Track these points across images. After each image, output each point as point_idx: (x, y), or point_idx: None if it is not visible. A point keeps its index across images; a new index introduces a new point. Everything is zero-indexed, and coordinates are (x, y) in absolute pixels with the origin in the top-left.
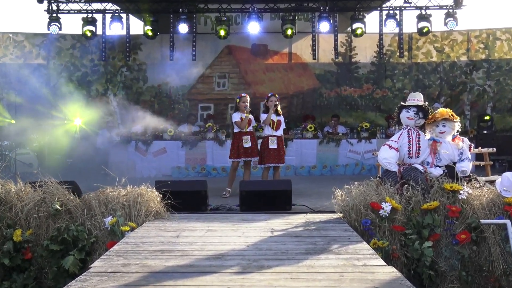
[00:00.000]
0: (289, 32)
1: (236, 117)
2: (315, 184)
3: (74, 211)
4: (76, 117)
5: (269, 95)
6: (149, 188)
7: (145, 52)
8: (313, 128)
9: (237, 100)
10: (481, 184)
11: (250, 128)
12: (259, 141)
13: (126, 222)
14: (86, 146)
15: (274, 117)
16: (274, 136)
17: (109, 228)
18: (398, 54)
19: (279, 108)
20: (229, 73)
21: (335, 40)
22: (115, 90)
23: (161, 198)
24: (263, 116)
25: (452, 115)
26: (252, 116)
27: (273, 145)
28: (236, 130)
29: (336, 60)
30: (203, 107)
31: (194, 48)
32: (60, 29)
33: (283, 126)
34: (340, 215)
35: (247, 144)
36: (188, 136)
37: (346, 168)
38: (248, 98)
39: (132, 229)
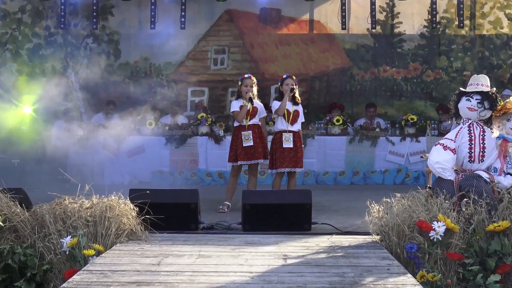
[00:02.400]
0: None
1: (235, 105)
2: (343, 196)
3: (21, 229)
4: (25, 103)
5: (284, 76)
6: (121, 199)
7: (118, 17)
8: (341, 122)
9: (239, 83)
10: None
11: (255, 121)
12: (270, 137)
13: (91, 244)
14: (37, 142)
15: (290, 107)
16: (290, 131)
17: (67, 252)
18: (456, 23)
19: (297, 95)
20: (230, 47)
21: (372, 3)
22: (77, 67)
23: (138, 212)
24: (275, 105)
25: None
26: (261, 105)
27: (288, 143)
28: (236, 123)
29: (373, 30)
30: (195, 91)
31: (183, 13)
32: None
33: (301, 118)
34: (377, 237)
35: (248, 142)
36: (174, 130)
37: (385, 175)
38: (254, 80)
39: (99, 253)
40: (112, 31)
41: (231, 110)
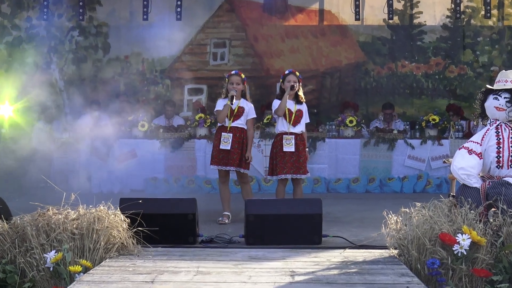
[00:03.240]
0: None
1: (219, 104)
2: (357, 206)
3: (0, 242)
4: (3, 102)
5: (286, 72)
6: (111, 209)
7: (106, 8)
8: (354, 123)
9: (226, 80)
10: None
11: (240, 123)
12: (269, 141)
13: (77, 260)
14: (17, 146)
15: (292, 106)
16: (291, 133)
17: (51, 268)
18: (483, 12)
19: (300, 92)
20: (231, 40)
21: None
22: (61, 63)
23: (129, 224)
24: (275, 104)
25: None
26: (250, 105)
27: (288, 147)
28: (219, 123)
29: (391, 21)
30: (192, 89)
31: (179, 2)
32: None
33: (305, 119)
34: (395, 252)
35: (225, 145)
36: (170, 132)
37: (404, 182)
38: (241, 77)
39: (86, 269)
40: (100, 23)
41: (215, 109)
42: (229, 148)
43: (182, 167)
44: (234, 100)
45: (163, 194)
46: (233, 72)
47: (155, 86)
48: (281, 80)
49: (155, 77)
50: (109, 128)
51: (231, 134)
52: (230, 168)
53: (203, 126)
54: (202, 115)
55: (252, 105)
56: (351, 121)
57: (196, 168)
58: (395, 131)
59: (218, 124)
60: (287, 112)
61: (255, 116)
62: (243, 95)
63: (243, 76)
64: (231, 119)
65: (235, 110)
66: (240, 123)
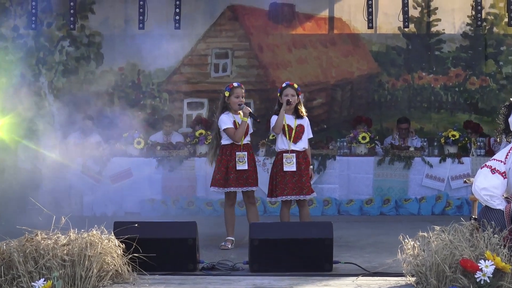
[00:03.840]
0: None
1: (226, 121)
2: (370, 230)
3: None
4: None
5: (284, 85)
6: (104, 233)
7: (99, 16)
8: (368, 139)
9: (226, 94)
10: None
11: (248, 139)
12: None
13: None
14: (2, 165)
15: (292, 121)
16: (292, 151)
17: None
18: (506, 20)
19: (300, 106)
20: (234, 50)
21: None
22: (51, 75)
23: (124, 250)
24: (272, 120)
25: None
26: (252, 120)
27: (289, 166)
28: (225, 141)
29: (406, 29)
30: (192, 104)
31: (177, 10)
32: None
33: (307, 134)
34: (412, 279)
35: (242, 165)
36: (168, 150)
37: (422, 203)
38: (243, 90)
39: None
40: (93, 32)
41: (223, 127)
42: (246, 167)
43: (181, 187)
44: (254, 115)
45: (160, 217)
46: (235, 84)
47: (151, 100)
48: (278, 94)
49: (151, 90)
50: (102, 145)
51: (246, 153)
52: (252, 188)
53: (203, 143)
54: (203, 131)
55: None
56: (364, 138)
57: (196, 189)
58: (412, 148)
59: (223, 142)
60: (286, 129)
61: (252, 130)
62: (295, 111)
63: (242, 89)
64: (291, 139)
65: (295, 130)
66: (248, 139)
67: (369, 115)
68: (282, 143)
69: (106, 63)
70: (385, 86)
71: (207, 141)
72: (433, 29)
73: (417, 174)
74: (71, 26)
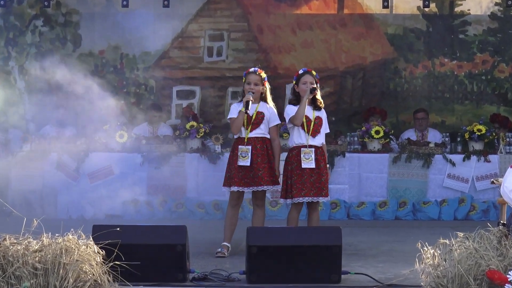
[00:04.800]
0: None
1: (232, 110)
2: (385, 236)
3: None
4: None
5: (300, 72)
6: (82, 238)
7: None
8: (381, 134)
9: (243, 79)
10: None
11: (260, 132)
12: (283, 154)
13: None
14: None
15: (311, 113)
16: (311, 146)
17: None
18: None
19: (319, 96)
20: (230, 32)
21: None
22: (22, 59)
23: (104, 257)
24: (289, 111)
25: None
26: (271, 109)
27: (308, 162)
28: (235, 135)
29: (426, 9)
30: (182, 92)
31: None
32: None
33: (325, 128)
34: None
35: (244, 161)
36: (154, 144)
37: (443, 207)
38: (262, 76)
39: None
40: (70, 10)
41: (228, 117)
42: (248, 164)
43: (169, 187)
44: (250, 105)
45: (145, 220)
46: (251, 69)
47: (136, 87)
48: (294, 82)
49: (136, 77)
50: (79, 139)
51: (250, 147)
52: (261, 188)
53: (195, 137)
54: (194, 123)
55: (274, 109)
56: (377, 132)
57: (186, 189)
58: (432, 144)
59: (235, 136)
60: (305, 120)
61: (279, 122)
62: (263, 98)
63: (263, 75)
64: (249, 129)
65: (253, 117)
66: (260, 132)
67: (384, 107)
68: (299, 137)
69: (84, 45)
70: (402, 74)
71: (199, 135)
72: (457, 9)
73: (437, 173)
74: (45, 3)
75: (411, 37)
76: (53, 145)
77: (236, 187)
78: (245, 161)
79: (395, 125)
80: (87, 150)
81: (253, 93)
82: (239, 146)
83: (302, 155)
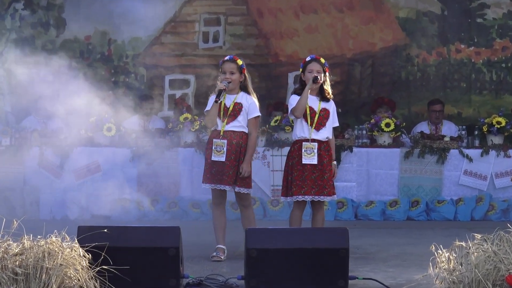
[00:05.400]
0: None
1: (209, 101)
2: (396, 238)
3: None
4: None
5: (308, 59)
6: (66, 241)
7: None
8: (392, 126)
9: (220, 68)
10: None
11: (237, 125)
12: (278, 151)
13: None
14: None
15: (316, 103)
16: (313, 140)
17: None
18: None
19: (327, 86)
20: (227, 16)
21: None
22: (1, 46)
23: (90, 261)
24: (292, 101)
25: None
26: (251, 99)
27: (309, 158)
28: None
29: None
30: (175, 81)
31: None
32: None
33: (333, 121)
34: None
35: (218, 155)
36: (145, 138)
37: (459, 206)
38: (237, 64)
39: None
40: None
41: (205, 109)
42: (223, 159)
43: (162, 185)
44: (222, 95)
45: (135, 221)
46: (227, 57)
47: (125, 76)
48: (300, 70)
49: (125, 65)
50: (63, 132)
51: (225, 141)
52: (224, 187)
53: (189, 131)
54: (189, 115)
55: (254, 99)
56: (387, 125)
57: (179, 187)
58: (447, 138)
59: (212, 129)
60: (308, 112)
61: (258, 114)
62: (243, 88)
63: (240, 62)
64: (225, 121)
65: (230, 108)
66: (237, 125)
67: (394, 97)
68: (301, 130)
69: (69, 30)
70: (415, 61)
71: (193, 128)
72: None
73: (453, 170)
74: None
75: (425, 21)
76: (35, 139)
77: (208, 184)
78: (219, 156)
79: (407, 117)
80: (72, 144)
81: (229, 82)
82: (214, 140)
83: (303, 150)
